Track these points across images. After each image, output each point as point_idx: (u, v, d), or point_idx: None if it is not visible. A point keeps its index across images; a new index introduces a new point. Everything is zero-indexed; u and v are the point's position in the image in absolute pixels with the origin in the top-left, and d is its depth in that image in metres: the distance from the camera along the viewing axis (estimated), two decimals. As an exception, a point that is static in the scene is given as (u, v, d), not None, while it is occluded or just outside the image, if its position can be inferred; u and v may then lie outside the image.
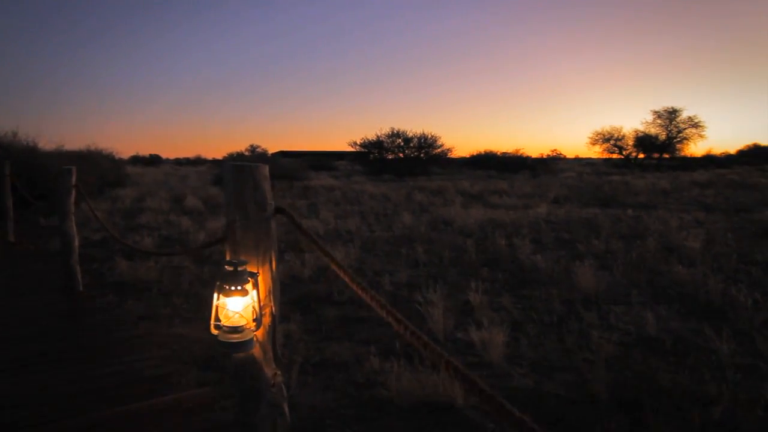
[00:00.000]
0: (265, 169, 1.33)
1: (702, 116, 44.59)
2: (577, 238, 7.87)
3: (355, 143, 33.24)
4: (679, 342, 3.62)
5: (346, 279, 1.19)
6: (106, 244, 7.46)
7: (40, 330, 3.30)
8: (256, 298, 1.28)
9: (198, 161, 53.94)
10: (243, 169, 1.31)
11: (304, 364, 3.30)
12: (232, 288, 1.22)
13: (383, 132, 32.63)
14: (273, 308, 1.41)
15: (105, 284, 5.28)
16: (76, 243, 4.35)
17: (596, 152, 42.90)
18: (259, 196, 1.33)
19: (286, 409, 1.46)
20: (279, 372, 1.45)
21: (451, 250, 6.94)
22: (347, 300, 4.78)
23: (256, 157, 27.83)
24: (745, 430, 2.50)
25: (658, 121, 40.22)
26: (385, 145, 32.30)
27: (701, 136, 40.47)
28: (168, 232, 8.72)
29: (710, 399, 2.77)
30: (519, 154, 35.99)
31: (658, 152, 39.90)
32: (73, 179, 4.25)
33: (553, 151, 50.92)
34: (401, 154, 32.08)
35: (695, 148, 60.27)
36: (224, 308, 1.24)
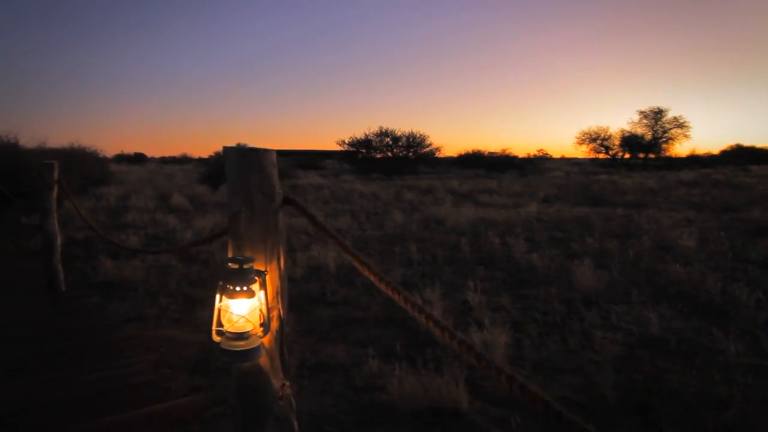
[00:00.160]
0: (273, 155, 1.19)
1: (685, 117, 45.09)
2: (570, 236, 7.82)
3: (344, 142, 33.08)
4: (683, 342, 3.54)
5: (373, 277, 1.06)
6: (91, 243, 7.25)
7: (20, 333, 3.13)
8: (263, 300, 1.14)
9: (184, 159, 53.31)
10: (248, 153, 1.16)
11: (299, 368, 3.17)
12: (237, 288, 1.08)
13: (372, 131, 32.50)
14: (281, 311, 1.27)
15: (89, 284, 5.09)
16: (59, 242, 4.17)
17: (583, 152, 43.20)
18: (267, 184, 1.19)
19: (296, 424, 1.33)
20: (287, 383, 1.31)
21: (444, 249, 6.83)
22: (341, 300, 4.65)
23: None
24: (761, 434, 2.42)
25: (644, 121, 40.59)
26: (374, 144, 32.17)
27: (686, 136, 40.96)
28: (154, 231, 8.51)
29: (721, 401, 2.69)
30: (506, 154, 36.06)
31: (643, 152, 40.25)
32: (55, 174, 4.07)
33: (539, 150, 51.17)
34: (390, 153, 31.96)
35: (680, 148, 60.94)
36: (227, 312, 1.10)
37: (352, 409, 2.69)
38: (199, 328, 3.95)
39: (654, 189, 17.67)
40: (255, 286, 1.10)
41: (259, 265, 1.16)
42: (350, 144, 32.85)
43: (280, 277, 1.25)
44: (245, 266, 1.09)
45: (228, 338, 1.12)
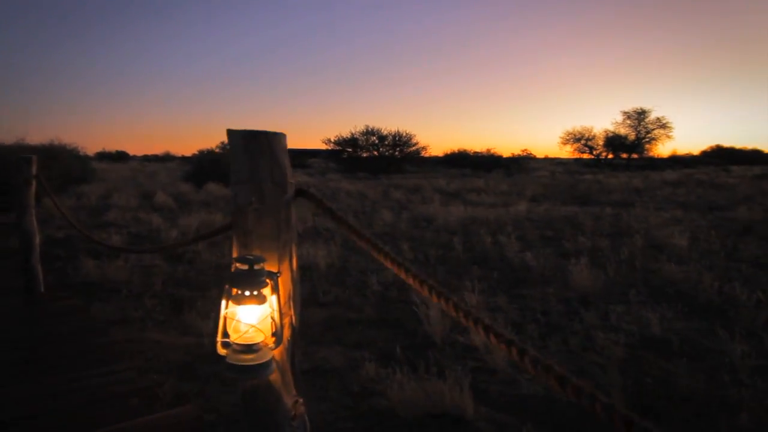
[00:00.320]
0: (284, 139, 1.06)
1: (667, 117, 45.62)
2: (561, 235, 7.76)
3: (330, 141, 32.84)
4: (686, 343, 3.46)
5: (411, 280, 0.93)
6: (71, 242, 7.01)
7: (-4, 337, 2.94)
8: (276, 306, 1.00)
9: (167, 158, 52.57)
10: (257, 136, 1.03)
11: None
12: (246, 293, 0.94)
13: (358, 129, 32.31)
14: (293, 318, 1.14)
15: (70, 285, 4.89)
16: (37, 240, 3.96)
17: (567, 152, 43.53)
18: (278, 172, 1.05)
19: (310, 447, 1.19)
20: (301, 400, 1.18)
21: (436, 248, 6.73)
22: (333, 301, 4.51)
23: (227, 154, 27.06)
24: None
25: (628, 121, 40.98)
26: (360, 142, 31.98)
27: (669, 137, 41.43)
28: (137, 230, 8.28)
29: (732, 405, 2.61)
30: (492, 154, 36.13)
31: (627, 152, 40.65)
32: (34, 169, 3.87)
33: (523, 150, 51.38)
34: (376, 152, 31.82)
35: (663, 148, 61.81)
36: (234, 319, 0.96)
37: (350, 416, 2.56)
38: (186, 330, 3.79)
39: (639, 188, 17.80)
40: (266, 290, 0.97)
41: (270, 266, 1.02)
42: (336, 143, 32.63)
43: (293, 279, 1.11)
44: (256, 267, 0.95)
45: (235, 351, 0.97)
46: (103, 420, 1.85)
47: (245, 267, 0.95)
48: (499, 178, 25.27)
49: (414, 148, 32.29)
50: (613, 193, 16.12)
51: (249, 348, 0.97)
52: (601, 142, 41.49)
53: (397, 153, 31.96)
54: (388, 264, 0.98)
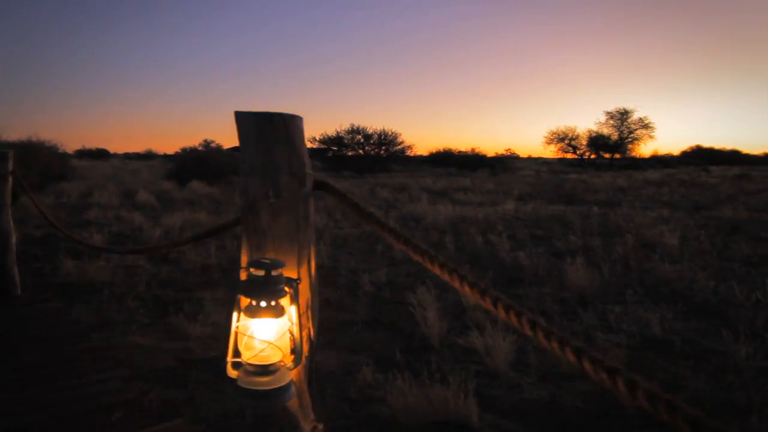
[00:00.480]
0: (302, 123, 0.94)
1: (649, 118, 46.16)
2: (551, 234, 7.72)
3: (315, 139, 32.61)
4: (687, 344, 3.40)
5: (450, 278, 0.82)
6: (50, 241, 6.77)
7: (-31, 343, 2.76)
8: (295, 319, 0.86)
9: (149, 156, 51.78)
10: (273, 120, 0.89)
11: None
12: (262, 304, 0.81)
13: (343, 128, 32.12)
14: (311, 330, 1.01)
15: (48, 287, 4.69)
16: (14, 240, 3.77)
17: (552, 151, 43.80)
18: (296, 161, 0.92)
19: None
20: (321, 426, 1.04)
21: (427, 247, 6.62)
22: (324, 302, 4.37)
23: (211, 152, 26.74)
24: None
25: (611, 121, 41.37)
26: (345, 141, 31.81)
27: (651, 137, 41.95)
28: (119, 229, 8.05)
29: (740, 407, 2.54)
30: (477, 153, 36.19)
31: (610, 152, 41.03)
32: (10, 165, 3.68)
33: (507, 150, 51.62)
34: (361, 151, 31.66)
35: (645, 148, 62.50)
36: (247, 335, 0.83)
37: (350, 425, 2.43)
38: (172, 334, 3.63)
39: (624, 188, 17.92)
40: (285, 301, 0.84)
41: (288, 271, 0.90)
42: (322, 141, 32.41)
43: (312, 286, 0.99)
44: (273, 273, 0.81)
45: (248, 373, 0.83)
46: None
47: (261, 273, 0.82)
48: (485, 177, 25.28)
49: (399, 147, 32.21)
50: (599, 192, 16.19)
51: (265, 369, 0.83)
52: (584, 142, 41.85)
53: (382, 152, 31.83)
54: (430, 266, 0.87)
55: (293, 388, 0.88)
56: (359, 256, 6.17)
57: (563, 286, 4.72)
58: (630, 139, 40.74)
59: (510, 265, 5.65)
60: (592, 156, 41.64)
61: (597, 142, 41.13)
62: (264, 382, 0.82)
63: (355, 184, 18.28)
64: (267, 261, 0.83)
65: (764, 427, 2.35)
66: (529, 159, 63.15)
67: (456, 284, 0.84)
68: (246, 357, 0.84)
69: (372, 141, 31.67)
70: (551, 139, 43.07)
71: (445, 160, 34.74)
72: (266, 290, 0.82)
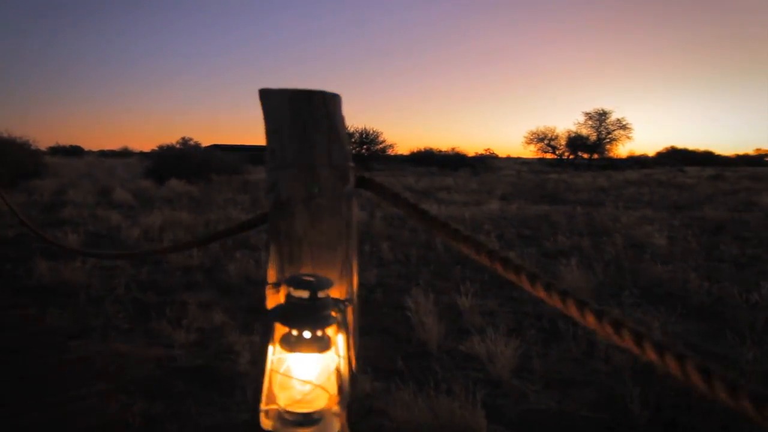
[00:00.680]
0: (341, 104, 0.79)
1: (626, 119, 46.89)
2: (539, 234, 7.66)
3: (295, 137, 32.29)
4: (689, 348, 3.33)
5: (523, 282, 0.68)
6: (22, 242, 6.47)
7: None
8: (343, 352, 0.70)
9: (125, 153, 50.79)
10: (312, 99, 0.73)
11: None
12: (306, 335, 0.65)
13: (324, 126, 31.87)
14: (352, 359, 0.86)
15: (21, 290, 4.44)
16: (-17, 241, 3.54)
17: (531, 151, 44.15)
18: (339, 152, 0.76)
19: None
20: None
21: (417, 247, 6.50)
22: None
23: (189, 150, 26.24)
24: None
25: (589, 122, 41.86)
26: (326, 139, 31.55)
27: (629, 138, 42.54)
28: (95, 228, 7.75)
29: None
30: (457, 152, 36.27)
31: (588, 152, 41.52)
32: (-21, 162, 3.44)
33: (486, 150, 51.83)
34: (342, 150, 31.44)
35: (623, 149, 63.46)
36: (283, 374, 0.65)
37: (349, 440, 2.28)
38: (155, 340, 3.44)
39: (604, 188, 18.07)
40: (331, 329, 0.69)
41: (333, 292, 0.74)
42: (302, 139, 32.11)
43: (354, 307, 0.83)
44: (320, 295, 0.66)
45: (286, 422, 0.65)
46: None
47: (303, 295, 0.66)
48: (467, 176, 25.29)
49: (381, 146, 32.10)
50: (581, 192, 16.28)
51: (308, 418, 0.66)
52: (563, 142, 42.27)
53: (364, 151, 31.68)
54: (515, 278, 0.72)
55: (338, 435, 0.71)
56: (347, 257, 6.01)
57: (558, 288, 4.63)
58: (608, 140, 41.29)
59: (501, 266, 5.55)
60: (571, 156, 42.09)
61: (576, 142, 41.59)
62: (306, 435, 0.66)
63: (337, 183, 18.07)
64: (311, 279, 0.67)
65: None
66: (509, 159, 63.60)
67: (557, 303, 0.70)
68: (283, 402, 0.66)
69: (353, 140, 31.49)
70: (531, 139, 43.46)
71: (426, 160, 34.72)
72: (311, 317, 0.66)
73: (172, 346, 3.28)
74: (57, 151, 46.07)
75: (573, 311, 0.65)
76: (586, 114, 42.14)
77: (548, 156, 43.61)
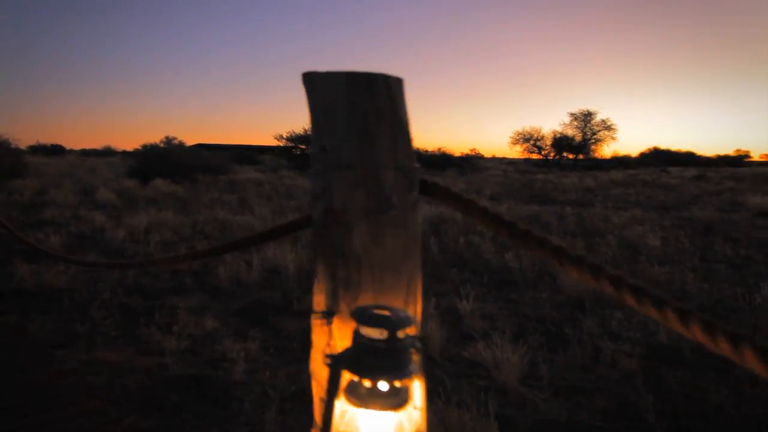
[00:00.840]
0: (404, 89, 0.66)
1: (611, 119, 47.34)
2: (532, 235, 7.59)
3: (282, 137, 32.00)
4: (696, 352, 3.25)
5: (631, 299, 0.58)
6: (1, 244, 6.23)
7: None
8: (421, 403, 0.58)
9: (108, 152, 50.00)
10: (374, 83, 0.61)
11: (281, 401, 2.59)
12: (383, 387, 0.52)
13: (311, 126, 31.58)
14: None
15: (1, 295, 4.25)
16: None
17: (517, 152, 44.32)
18: (405, 151, 0.64)
19: None
20: None
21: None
22: (308, 309, 4.06)
23: (174, 149, 25.86)
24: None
25: (575, 123, 42.15)
26: (313, 139, 31.25)
27: (613, 138, 42.93)
28: (78, 229, 7.53)
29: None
30: (444, 152, 36.25)
31: (574, 153, 41.80)
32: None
33: (471, 150, 51.89)
34: (329, 149, 31.17)
35: (607, 149, 64.06)
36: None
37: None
38: (144, 347, 3.29)
39: (592, 188, 18.14)
40: (413, 382, 0.55)
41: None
42: (288, 139, 31.83)
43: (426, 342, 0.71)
44: (399, 335, 0.53)
45: None
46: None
47: (379, 335, 0.53)
48: (454, 176, 25.26)
49: (368, 145, 31.91)
50: (569, 192, 16.32)
51: None
52: (549, 143, 42.50)
53: (350, 150, 31.47)
54: (614, 292, 0.61)
55: None
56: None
57: (558, 290, 4.56)
58: (593, 141, 41.60)
59: (497, 268, 5.47)
60: (557, 156, 42.35)
61: (561, 143, 41.84)
62: None
63: (325, 183, 17.91)
64: (387, 313, 0.54)
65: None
66: (494, 159, 63.77)
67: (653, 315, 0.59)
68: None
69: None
70: (517, 140, 43.61)
71: (413, 159, 34.61)
72: (389, 364, 0.52)
73: (163, 354, 3.13)
74: (38, 149, 45.22)
75: (701, 337, 0.53)
76: (572, 114, 42.47)
77: (534, 156, 43.81)
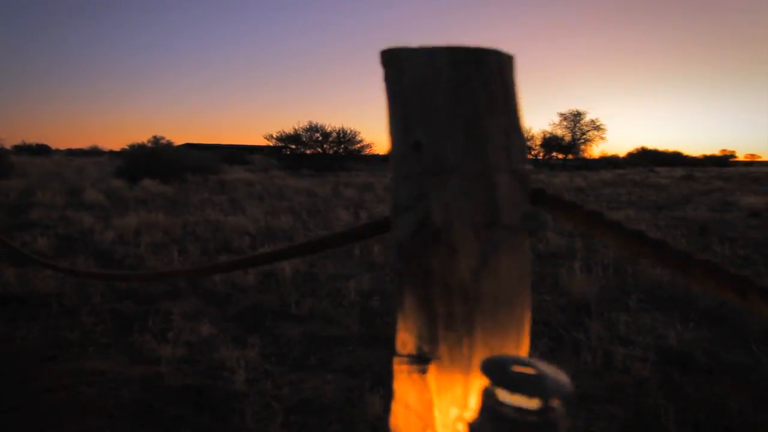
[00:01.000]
0: (515, 67, 0.51)
1: (600, 119, 47.58)
2: (529, 236, 7.52)
3: (272, 136, 31.78)
4: (709, 357, 3.18)
5: None
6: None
7: None
8: None
9: (95, 152, 49.37)
10: (484, 61, 0.46)
11: (285, 412, 2.47)
12: None
13: (301, 125, 31.43)
14: None
15: (-15, 300, 4.08)
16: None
17: (507, 151, 44.43)
18: (519, 148, 0.50)
19: None
20: None
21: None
22: (308, 314, 3.96)
23: (161, 149, 25.56)
24: None
25: (564, 123, 42.31)
26: (303, 139, 31.09)
27: (602, 138, 43.15)
28: (66, 231, 7.33)
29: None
30: (436, 152, 36.22)
31: (563, 153, 41.95)
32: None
33: (463, 149, 51.80)
34: (320, 149, 31.05)
35: (596, 149, 64.36)
36: None
37: (366, 471, 2.05)
38: (138, 356, 3.15)
39: (583, 188, 18.17)
40: None
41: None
42: (278, 139, 31.61)
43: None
44: (553, 403, 0.41)
45: None
46: None
47: (530, 405, 0.40)
48: (445, 176, 25.18)
49: (359, 145, 31.81)
50: (560, 192, 16.30)
51: None
52: (539, 143, 42.61)
53: (341, 150, 31.34)
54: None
55: None
56: (336, 260, 5.76)
57: (560, 292, 4.47)
58: (582, 141, 41.79)
59: (497, 270, 5.38)
60: (546, 156, 42.47)
61: (551, 143, 41.97)
62: None
63: (316, 183, 17.77)
64: (536, 373, 0.42)
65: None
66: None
67: None
68: None
69: (331, 139, 31.13)
70: (507, 139, 43.66)
71: (403, 159, 34.55)
72: None
73: (158, 363, 2.99)
74: (23, 149, 44.54)
75: None
76: (561, 115, 42.63)
77: (524, 156, 43.84)
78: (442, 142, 0.47)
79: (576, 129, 41.78)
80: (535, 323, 3.60)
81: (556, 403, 0.40)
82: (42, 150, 48.43)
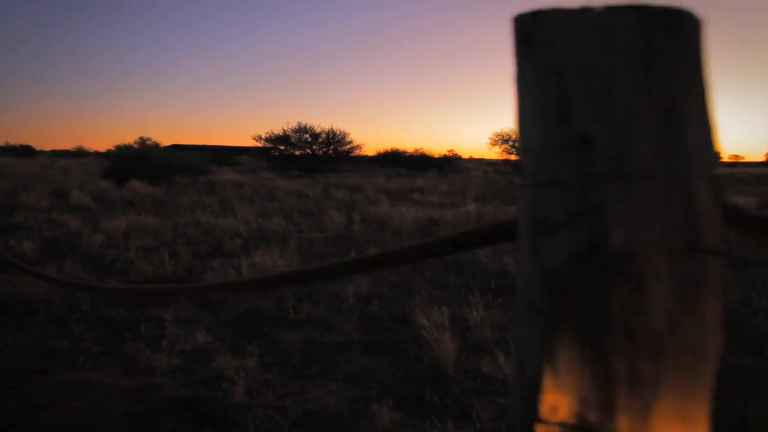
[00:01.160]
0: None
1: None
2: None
3: (261, 137, 31.52)
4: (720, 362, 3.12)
5: None
6: (-31, 251, 5.84)
7: None
8: None
9: (80, 153, 48.72)
10: (679, 27, 0.34)
11: (292, 426, 2.36)
12: None
13: (290, 126, 31.22)
14: None
15: (-31, 308, 3.92)
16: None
17: (496, 153, 44.46)
18: (709, 144, 0.37)
19: None
20: None
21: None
22: (306, 319, 3.85)
23: (149, 149, 25.25)
24: None
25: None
26: (292, 140, 30.88)
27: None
28: (52, 234, 7.14)
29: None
30: (423, 153, 36.23)
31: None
32: None
33: (449, 151, 51.91)
34: (309, 150, 30.86)
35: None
36: None
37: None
38: (131, 366, 3.01)
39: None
40: None
41: None
42: (267, 140, 31.36)
43: None
44: None
45: None
46: None
47: None
48: (435, 177, 25.15)
49: (348, 146, 31.67)
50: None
51: None
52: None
53: (330, 151, 31.18)
54: None
55: None
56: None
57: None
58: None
59: (496, 272, 5.30)
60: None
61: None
62: None
63: (306, 184, 17.62)
64: None
65: None
66: (472, 160, 63.95)
67: None
68: None
69: (320, 140, 30.96)
70: (496, 141, 43.71)
71: (393, 161, 34.50)
72: None
73: (152, 373, 2.87)
74: (6, 150, 43.84)
75: None
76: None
77: (513, 157, 43.93)
78: (627, 135, 0.35)
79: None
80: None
81: None
82: (26, 151, 47.65)
